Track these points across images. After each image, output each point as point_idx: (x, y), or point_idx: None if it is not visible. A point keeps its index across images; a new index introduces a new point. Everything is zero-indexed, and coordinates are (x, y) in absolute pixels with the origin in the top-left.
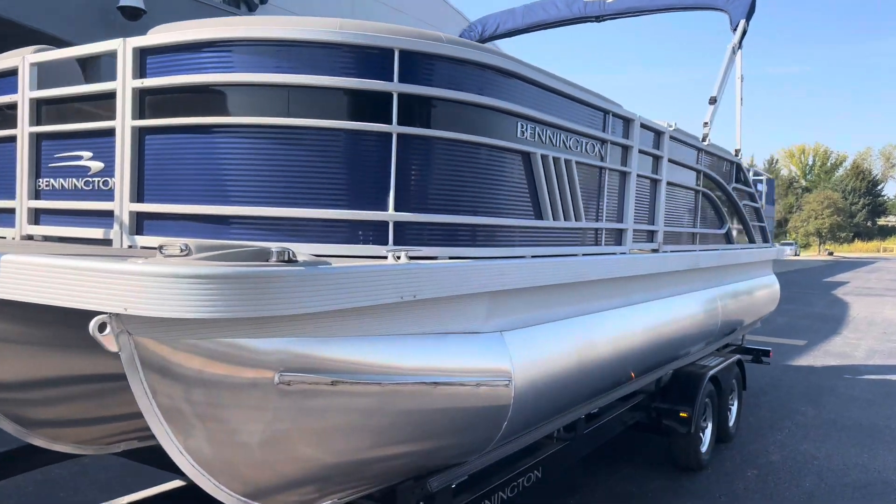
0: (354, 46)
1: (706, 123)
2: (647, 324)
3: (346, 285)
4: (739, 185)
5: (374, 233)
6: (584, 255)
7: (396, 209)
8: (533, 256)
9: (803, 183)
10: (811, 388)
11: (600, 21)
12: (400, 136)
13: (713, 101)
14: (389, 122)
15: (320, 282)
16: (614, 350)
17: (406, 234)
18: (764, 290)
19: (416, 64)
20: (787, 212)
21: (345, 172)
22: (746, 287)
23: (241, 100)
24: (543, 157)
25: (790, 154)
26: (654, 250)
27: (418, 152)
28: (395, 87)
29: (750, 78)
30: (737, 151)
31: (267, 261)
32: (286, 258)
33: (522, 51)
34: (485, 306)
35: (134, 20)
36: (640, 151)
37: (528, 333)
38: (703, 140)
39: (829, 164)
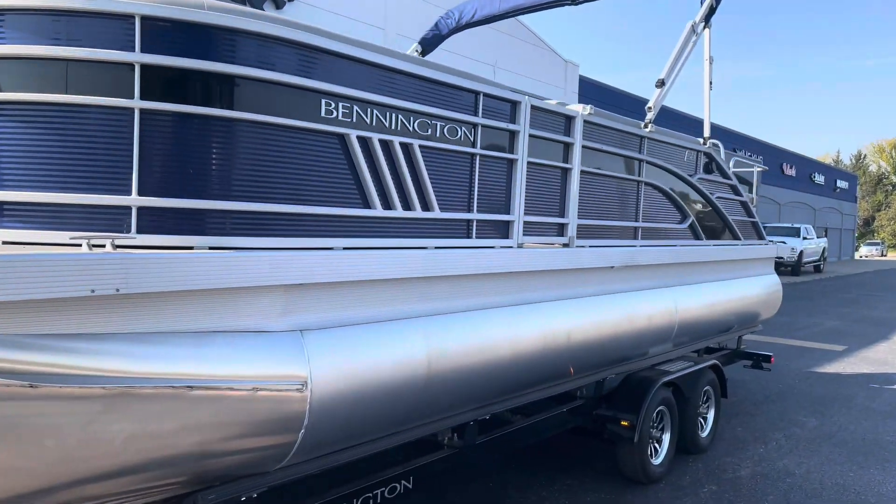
0: (93, 13)
1: (650, 108)
2: (547, 326)
3: None
4: (711, 177)
5: (142, 219)
6: (437, 247)
7: (144, 193)
8: (346, 248)
9: (894, 179)
10: (825, 398)
11: (576, 4)
12: (149, 112)
13: (661, 83)
14: (132, 96)
15: None
16: (491, 354)
17: (207, 223)
18: (756, 290)
19: (166, 32)
20: (874, 210)
21: (86, 152)
22: (726, 287)
23: None
24: (365, 141)
25: (880, 149)
26: (565, 245)
27: (178, 131)
28: (136, 57)
29: (835, 70)
30: (705, 140)
31: None
32: None
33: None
34: (279, 302)
35: None
36: (537, 137)
37: (346, 333)
38: (645, 126)
39: None
